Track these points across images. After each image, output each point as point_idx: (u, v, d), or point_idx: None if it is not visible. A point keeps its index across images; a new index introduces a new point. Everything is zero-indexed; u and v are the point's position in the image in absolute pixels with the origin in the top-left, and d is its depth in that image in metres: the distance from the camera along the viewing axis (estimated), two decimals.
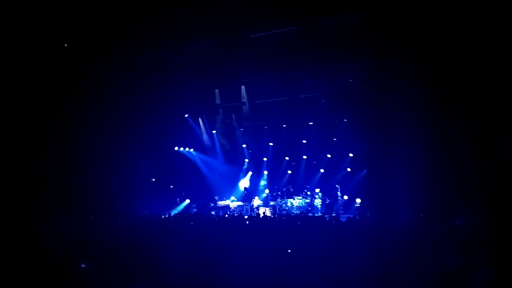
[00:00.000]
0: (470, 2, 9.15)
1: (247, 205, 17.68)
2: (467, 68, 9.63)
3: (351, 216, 11.91)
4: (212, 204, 17.97)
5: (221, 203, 18.19)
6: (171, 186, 19.08)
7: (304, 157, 19.47)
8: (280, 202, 17.62)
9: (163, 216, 11.42)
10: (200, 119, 19.65)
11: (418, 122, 11.34)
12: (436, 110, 10.83)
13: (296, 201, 17.36)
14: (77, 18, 11.45)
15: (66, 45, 12.59)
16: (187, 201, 18.38)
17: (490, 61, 9.08)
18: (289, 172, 19.85)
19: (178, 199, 18.64)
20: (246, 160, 20.97)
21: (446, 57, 10.08)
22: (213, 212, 16.90)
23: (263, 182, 20.07)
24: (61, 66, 12.72)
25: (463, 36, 9.55)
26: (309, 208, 16.86)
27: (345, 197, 16.82)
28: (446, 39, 9.95)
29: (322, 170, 18.89)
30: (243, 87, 16.91)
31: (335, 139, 18.63)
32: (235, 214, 15.90)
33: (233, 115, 19.26)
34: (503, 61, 8.77)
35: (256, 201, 17.73)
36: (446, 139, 10.71)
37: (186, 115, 19.16)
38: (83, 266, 6.65)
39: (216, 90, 17.55)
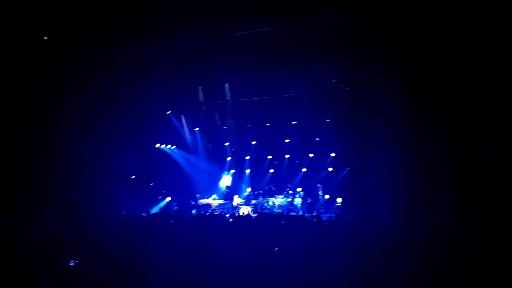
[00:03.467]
0: (447, 5, 9.32)
1: (229, 204, 17.64)
2: (446, 69, 9.81)
3: (332, 215, 12.01)
4: (193, 203, 17.84)
5: (203, 201, 18.08)
6: (152, 184, 18.85)
7: (287, 156, 19.55)
8: (262, 201, 17.63)
9: (143, 214, 11.28)
10: (182, 116, 19.48)
11: (399, 123, 11.50)
12: (416, 111, 11.00)
13: (278, 200, 17.40)
14: (57, 9, 11.16)
15: (45, 38, 12.24)
16: (168, 199, 18.20)
17: (469, 60, 9.26)
18: (272, 171, 19.89)
19: (159, 197, 18.43)
20: (229, 158, 20.92)
21: (426, 58, 10.25)
22: (194, 211, 16.78)
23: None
24: (39, 58, 12.37)
25: (441, 37, 9.73)
26: (291, 207, 16.93)
27: (327, 197, 16.95)
28: (426, 41, 10.12)
29: (304, 169, 19.00)
30: (227, 85, 16.85)
31: (317, 139, 18.78)
32: (216, 213, 15.83)
33: (216, 113, 19.20)
34: (482, 60, 8.96)
35: (237, 200, 17.69)
36: (426, 139, 10.89)
37: (168, 112, 18.97)
38: (59, 264, 6.49)
39: (200, 87, 17.43)
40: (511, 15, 8.15)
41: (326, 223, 9.56)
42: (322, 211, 16.38)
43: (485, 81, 8.94)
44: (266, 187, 18.49)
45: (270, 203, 17.40)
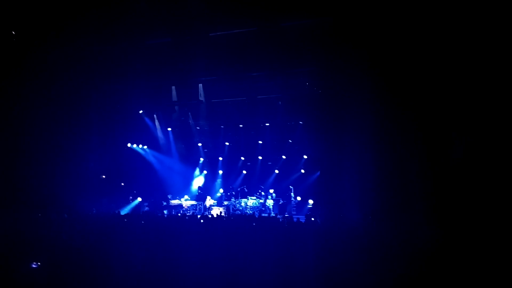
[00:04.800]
0: (417, 12, 9.63)
1: (201, 205, 17.53)
2: (416, 74, 10.14)
3: (303, 217, 12.13)
4: (164, 203, 17.61)
5: (174, 202, 17.88)
6: (122, 184, 18.48)
7: (260, 157, 19.62)
8: (234, 202, 17.62)
9: (112, 214, 11.05)
10: (155, 116, 19.22)
11: (370, 126, 11.77)
12: (387, 113, 11.30)
13: (250, 201, 17.43)
14: (27, 4, 10.81)
15: (13, 32, 11.82)
16: (139, 199, 17.89)
17: (437, 66, 9.61)
18: (244, 172, 19.91)
19: (130, 197, 18.08)
20: (201, 159, 20.79)
21: (398, 64, 10.56)
22: (165, 211, 16.57)
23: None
24: (6, 53, 11.93)
25: (411, 44, 10.05)
26: (263, 209, 17.00)
27: (298, 198, 17.12)
28: (397, 47, 10.43)
29: (276, 171, 19.12)
30: (200, 85, 16.74)
31: (290, 141, 18.94)
32: (188, 214, 15.69)
33: (189, 113, 19.02)
34: (450, 66, 9.31)
35: (209, 201, 17.61)
36: (396, 142, 11.20)
37: (141, 111, 18.67)
38: (25, 266, 6.27)
39: (173, 87, 17.24)
40: (478, 22, 8.49)
41: (297, 225, 9.66)
42: (294, 212, 16.52)
43: (453, 87, 9.28)
44: (239, 188, 18.49)
45: (243, 204, 17.41)
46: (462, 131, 9.20)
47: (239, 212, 16.91)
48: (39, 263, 6.19)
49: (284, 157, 19.20)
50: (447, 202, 9.45)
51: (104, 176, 17.35)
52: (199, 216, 11.47)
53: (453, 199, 9.35)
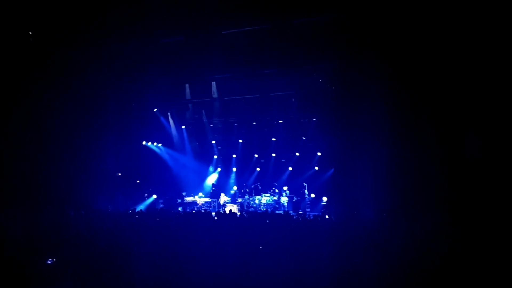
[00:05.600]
0: (432, 8, 9.49)
1: (215, 202, 17.65)
2: (431, 71, 10.00)
3: (318, 214, 12.12)
4: (179, 200, 17.80)
5: (189, 199, 18.06)
6: (138, 181, 18.74)
7: (273, 154, 19.62)
8: (248, 199, 17.68)
9: (129, 211, 11.22)
10: (169, 114, 19.40)
11: (384, 123, 11.67)
12: (401, 111, 11.19)
13: (264, 199, 17.47)
14: (43, 5, 11.00)
15: (30, 33, 12.06)
16: (154, 196, 18.11)
17: (452, 62, 9.47)
18: (258, 169, 19.95)
19: (145, 194, 18.33)
20: (215, 156, 20.90)
21: (411, 60, 10.43)
22: (180, 208, 16.74)
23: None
24: (26, 55, 12.19)
25: (426, 39, 9.91)
26: (277, 206, 17.02)
27: (312, 195, 17.09)
28: (413, 43, 10.29)
29: (290, 168, 19.11)
30: (214, 83, 16.82)
31: (304, 138, 18.89)
32: (202, 211, 15.82)
33: (203, 110, 19.15)
34: (465, 62, 9.16)
35: (223, 198, 17.71)
36: (411, 140, 11.08)
37: (155, 110, 18.87)
38: (44, 260, 6.43)
39: (187, 85, 17.37)
40: (493, 19, 8.34)
41: (311, 222, 9.66)
42: (308, 210, 16.51)
43: (468, 83, 9.14)
44: (252, 186, 18.54)
45: (256, 201, 17.46)
46: (478, 127, 9.06)
47: (253, 209, 16.97)
48: (54, 259, 6.35)
49: (297, 154, 19.17)
50: (464, 199, 9.32)
51: (120, 174, 17.63)
52: (213, 213, 11.57)
53: (470, 197, 9.21)
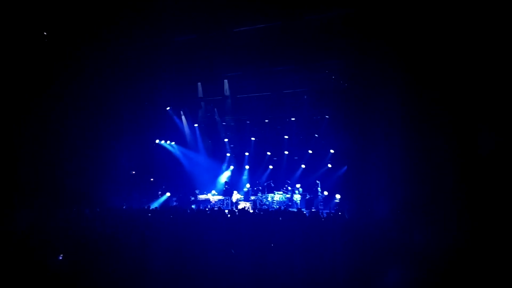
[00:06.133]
0: (447, 4, 9.33)
1: (228, 199, 17.71)
2: (445, 68, 9.83)
3: (331, 211, 12.06)
4: (192, 198, 17.91)
5: (202, 196, 18.16)
6: (152, 179, 18.92)
7: (286, 152, 19.59)
8: (261, 196, 17.69)
9: (145, 207, 11.34)
10: (182, 112, 19.50)
11: (398, 120, 11.53)
12: (415, 108, 11.03)
13: (277, 196, 17.46)
14: (57, 5, 11.15)
15: (45, 33, 12.25)
16: (168, 194, 18.26)
17: (467, 59, 9.30)
18: (271, 167, 19.94)
19: (159, 192, 18.51)
20: (228, 154, 20.95)
21: (425, 57, 10.27)
22: (193, 206, 16.85)
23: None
24: (40, 55, 12.38)
25: (441, 36, 9.75)
26: (290, 203, 17.00)
27: (325, 193, 17.02)
28: (426, 39, 10.14)
29: (303, 166, 19.05)
30: (226, 81, 16.85)
31: (316, 135, 18.80)
32: (215, 208, 15.89)
33: (215, 109, 19.20)
34: (480, 59, 8.99)
35: (236, 196, 17.75)
36: (425, 137, 10.93)
37: (168, 108, 18.99)
38: (60, 258, 6.54)
39: (199, 84, 17.44)
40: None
41: (324, 219, 9.61)
42: (321, 207, 16.45)
43: (483, 81, 8.98)
44: (265, 183, 18.55)
45: (269, 199, 17.46)
46: (494, 124, 8.88)
47: (265, 207, 16.98)
48: (63, 256, 6.45)
49: (310, 151, 19.10)
50: (481, 197, 9.15)
51: (134, 172, 17.81)
52: (226, 210, 11.61)
53: (487, 194, 9.05)
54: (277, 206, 16.41)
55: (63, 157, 13.44)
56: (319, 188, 17.10)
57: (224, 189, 18.69)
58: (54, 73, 12.95)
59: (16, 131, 12.14)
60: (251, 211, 13.10)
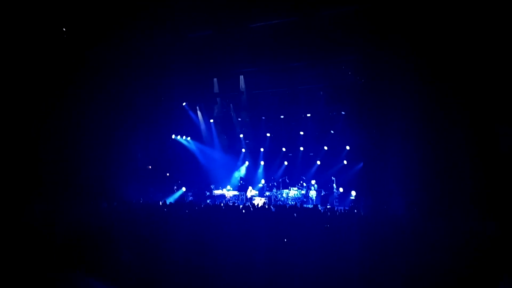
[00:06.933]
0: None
1: (243, 195, 17.78)
2: (463, 62, 9.65)
3: (346, 208, 12.00)
4: (207, 193, 18.04)
5: (217, 192, 18.27)
6: (168, 174, 19.12)
7: (301, 148, 19.53)
8: (276, 192, 17.70)
9: (160, 203, 11.47)
10: (197, 108, 19.63)
11: (414, 116, 11.38)
12: (432, 104, 10.86)
13: (292, 192, 17.44)
14: (75, 4, 11.34)
15: (64, 29, 12.47)
16: (183, 189, 18.44)
17: (486, 56, 9.11)
18: (286, 163, 19.92)
19: (175, 187, 18.70)
20: (243, 150, 21.01)
21: (442, 52, 10.09)
22: (208, 201, 16.98)
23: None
24: (59, 52, 12.63)
25: (459, 31, 9.56)
26: (305, 200, 16.96)
27: (341, 190, 16.92)
28: (443, 34, 9.96)
29: (318, 162, 18.96)
30: (241, 76, 16.87)
31: (332, 132, 18.68)
32: (230, 204, 15.98)
33: (231, 104, 19.26)
34: (498, 56, 8.80)
35: (251, 191, 17.80)
36: (442, 133, 10.76)
37: (184, 104, 19.13)
38: (82, 250, 6.69)
39: (215, 79, 17.50)
40: None
41: (340, 216, 9.57)
42: (337, 204, 16.37)
43: (502, 76, 8.78)
44: (280, 179, 18.54)
45: (284, 195, 17.46)
46: None
47: (280, 203, 16.98)
48: (92, 247, 6.58)
49: (326, 148, 19.00)
50: (501, 195, 8.97)
51: (150, 167, 18.04)
52: (241, 206, 11.66)
53: (507, 192, 8.87)
54: (292, 202, 16.41)
55: (81, 153, 13.69)
56: (334, 185, 17.01)
57: (239, 185, 18.74)
58: (74, 71, 13.20)
59: (36, 128, 12.43)
60: (266, 206, 13.12)
